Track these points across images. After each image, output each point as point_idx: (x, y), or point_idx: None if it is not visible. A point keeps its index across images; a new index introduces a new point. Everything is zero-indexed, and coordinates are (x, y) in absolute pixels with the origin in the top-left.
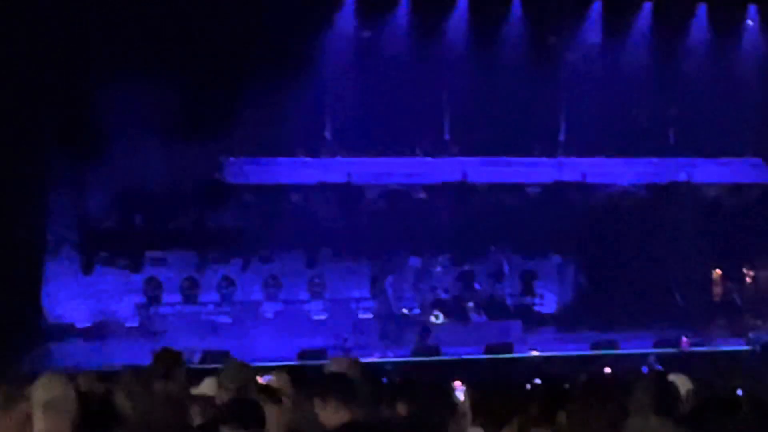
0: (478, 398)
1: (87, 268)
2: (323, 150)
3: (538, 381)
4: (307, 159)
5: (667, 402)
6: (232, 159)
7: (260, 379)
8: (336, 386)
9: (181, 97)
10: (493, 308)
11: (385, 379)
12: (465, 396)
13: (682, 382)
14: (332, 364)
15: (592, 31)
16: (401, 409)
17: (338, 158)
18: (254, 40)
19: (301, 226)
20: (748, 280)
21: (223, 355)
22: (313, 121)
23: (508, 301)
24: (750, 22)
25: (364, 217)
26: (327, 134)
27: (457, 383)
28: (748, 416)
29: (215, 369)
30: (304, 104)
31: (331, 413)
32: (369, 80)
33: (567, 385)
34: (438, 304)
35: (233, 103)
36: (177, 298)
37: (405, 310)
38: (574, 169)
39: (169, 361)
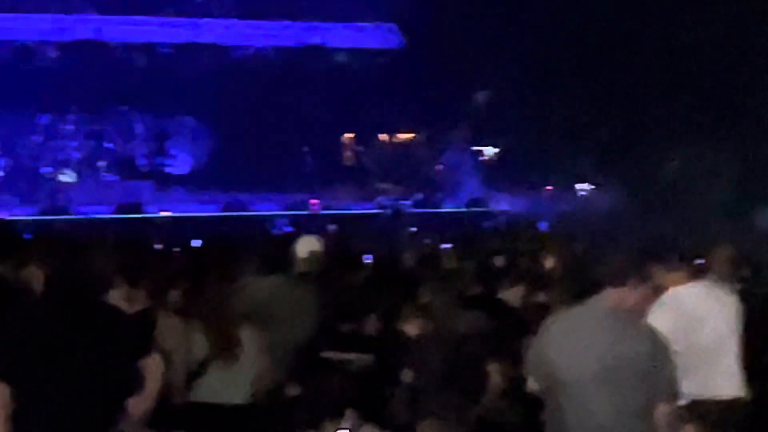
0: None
1: None
2: None
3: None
4: None
5: (283, 263)
6: None
7: None
8: None
9: None
10: (125, 168)
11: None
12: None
13: (310, 243)
14: None
15: None
16: (39, 266)
17: None
18: None
19: None
20: (378, 144)
21: None
22: None
23: (140, 161)
24: None
25: None
26: None
27: None
28: (371, 276)
29: None
30: None
31: None
32: None
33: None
34: (68, 163)
35: None
36: None
37: (35, 169)
38: (208, 30)
39: None
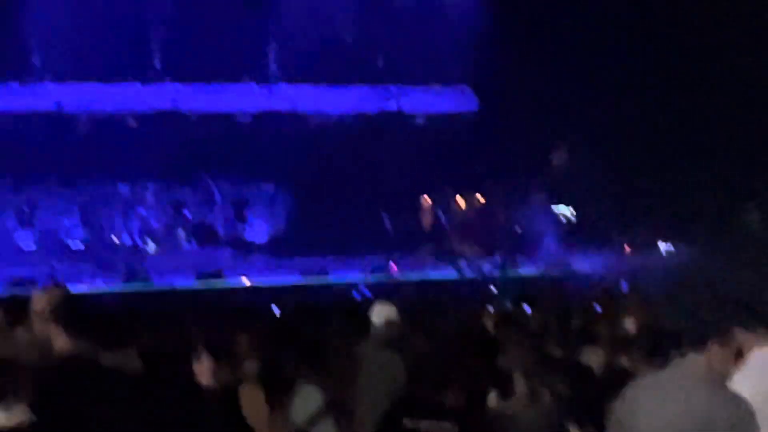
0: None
1: None
2: (31, 76)
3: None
4: (14, 85)
5: (362, 329)
6: None
7: None
8: (63, 315)
9: None
10: (204, 236)
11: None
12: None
13: (385, 311)
14: (40, 295)
15: None
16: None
17: (47, 84)
18: None
19: (10, 154)
20: (456, 207)
21: None
22: (20, 47)
23: (219, 229)
24: None
25: (74, 144)
26: (35, 60)
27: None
28: (452, 340)
29: None
30: (9, 30)
31: (59, 342)
32: (76, 5)
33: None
34: (148, 232)
35: None
36: None
37: (116, 239)
38: (284, 97)
39: None
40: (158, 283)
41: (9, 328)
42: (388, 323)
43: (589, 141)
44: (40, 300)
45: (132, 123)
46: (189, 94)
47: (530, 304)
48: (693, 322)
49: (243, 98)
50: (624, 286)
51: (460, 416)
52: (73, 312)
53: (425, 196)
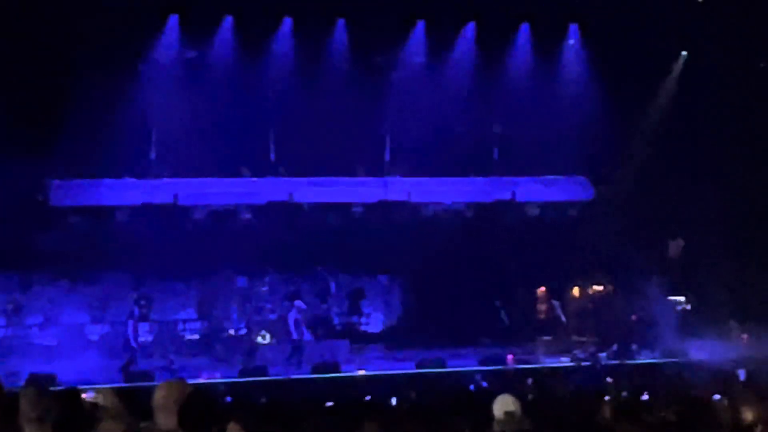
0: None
1: None
2: (149, 171)
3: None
4: (133, 180)
5: (482, 421)
6: (56, 181)
7: (85, 396)
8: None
9: (4, 117)
10: (320, 327)
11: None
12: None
13: (506, 404)
14: (163, 388)
15: (416, 51)
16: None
17: (164, 179)
18: (77, 61)
19: (128, 248)
20: (572, 296)
21: (48, 378)
22: (138, 142)
23: (335, 321)
24: (571, 42)
25: (191, 237)
26: (152, 155)
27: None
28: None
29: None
30: (128, 126)
31: None
32: (193, 101)
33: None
34: (265, 324)
35: (57, 125)
36: (1, 321)
37: (232, 331)
38: (399, 188)
39: None
40: (275, 375)
41: (131, 421)
42: (509, 415)
43: (705, 230)
44: (163, 393)
45: (247, 215)
46: (304, 187)
47: (648, 393)
48: None
49: (357, 190)
50: (741, 375)
51: None
52: (194, 407)
53: (541, 285)
